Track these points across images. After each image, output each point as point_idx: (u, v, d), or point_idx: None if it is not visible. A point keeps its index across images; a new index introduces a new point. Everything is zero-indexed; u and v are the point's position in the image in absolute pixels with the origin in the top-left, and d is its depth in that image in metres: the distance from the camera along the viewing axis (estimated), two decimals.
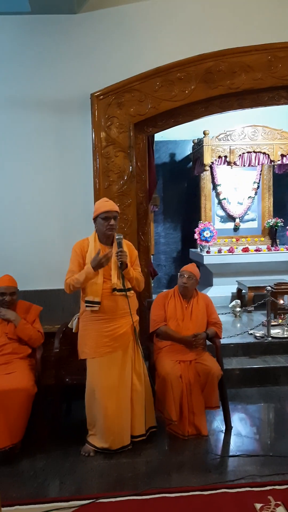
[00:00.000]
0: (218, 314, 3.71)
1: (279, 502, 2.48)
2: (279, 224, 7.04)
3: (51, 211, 4.24)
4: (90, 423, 3.15)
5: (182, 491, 2.63)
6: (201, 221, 6.93)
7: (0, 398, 2.93)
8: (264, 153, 6.76)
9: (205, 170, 6.80)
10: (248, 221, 7.26)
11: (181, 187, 7.69)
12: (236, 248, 6.87)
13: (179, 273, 3.64)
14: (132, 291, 3.16)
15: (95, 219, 3.13)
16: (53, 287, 4.13)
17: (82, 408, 3.17)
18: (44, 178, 4.21)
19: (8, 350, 3.32)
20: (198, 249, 6.95)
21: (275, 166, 7.19)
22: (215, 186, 7.11)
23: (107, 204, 3.11)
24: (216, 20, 4.22)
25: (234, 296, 6.56)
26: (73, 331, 3.29)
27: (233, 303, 6.01)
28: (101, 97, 4.09)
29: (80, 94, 4.16)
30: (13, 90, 4.15)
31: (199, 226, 6.80)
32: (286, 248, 6.91)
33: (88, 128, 4.13)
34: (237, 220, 7.18)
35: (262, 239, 7.19)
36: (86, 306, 3.07)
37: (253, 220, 7.28)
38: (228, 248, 6.83)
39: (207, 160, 6.60)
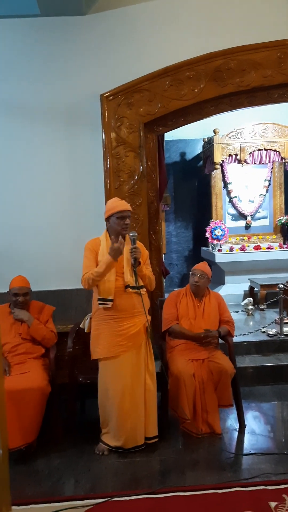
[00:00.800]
0: (231, 312, 3.71)
1: None
2: None
3: (63, 212, 4.27)
4: (104, 422, 3.17)
5: (196, 489, 2.63)
6: (212, 220, 6.91)
7: (14, 398, 2.96)
8: (274, 150, 6.72)
9: (216, 169, 6.78)
10: (259, 219, 7.22)
11: (192, 186, 7.68)
12: (248, 246, 6.84)
13: (190, 272, 3.64)
14: (144, 289, 3.17)
15: (107, 218, 3.14)
16: (66, 287, 4.17)
17: (96, 406, 3.19)
18: (56, 179, 4.25)
19: (22, 350, 3.35)
20: (210, 248, 6.94)
21: (286, 163, 7.13)
22: (226, 185, 7.09)
23: (122, 204, 3.12)
24: (225, 18, 4.21)
25: (247, 294, 6.54)
26: (85, 331, 3.31)
27: (246, 301, 5.98)
28: (111, 97, 4.10)
29: (89, 95, 4.19)
30: (23, 92, 4.19)
31: (211, 224, 6.79)
32: None
33: (98, 129, 4.15)
34: (249, 218, 7.14)
35: (274, 236, 7.15)
36: (99, 304, 3.08)
37: (264, 217, 7.23)
38: (239, 246, 6.80)
39: (217, 158, 6.59)
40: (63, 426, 3.40)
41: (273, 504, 2.46)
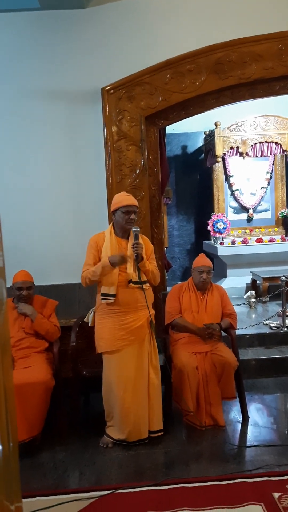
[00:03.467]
0: (233, 305, 3.72)
1: None
2: None
3: (65, 206, 4.27)
4: (108, 415, 3.19)
5: (200, 481, 2.65)
6: (214, 213, 6.91)
7: (18, 392, 2.97)
8: (276, 143, 6.70)
9: (217, 162, 6.76)
10: (261, 211, 7.21)
11: (193, 179, 7.66)
12: (250, 239, 6.84)
13: (195, 269, 3.60)
14: (148, 284, 3.18)
15: (114, 212, 3.15)
16: (69, 281, 4.17)
17: (101, 400, 3.21)
18: (57, 174, 4.24)
19: (25, 344, 3.37)
20: (212, 241, 6.94)
21: None
22: (227, 177, 7.07)
23: (128, 198, 3.13)
24: (225, 10, 4.18)
25: (249, 287, 6.55)
26: (90, 325, 3.32)
27: (248, 294, 6.00)
28: (112, 91, 4.09)
29: (90, 89, 4.17)
30: (23, 86, 4.17)
31: (212, 217, 6.78)
32: None
33: (99, 123, 4.14)
34: (250, 211, 7.13)
35: (276, 229, 7.14)
36: (102, 299, 3.10)
37: (266, 210, 7.22)
38: (241, 239, 6.80)
39: (219, 151, 6.57)
40: (68, 419, 3.43)
41: (276, 495, 2.48)
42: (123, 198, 3.13)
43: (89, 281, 3.11)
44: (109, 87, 4.08)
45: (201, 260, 3.62)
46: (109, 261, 3.02)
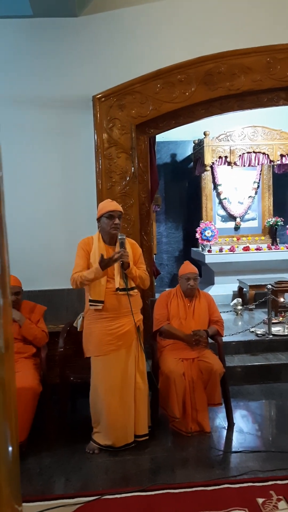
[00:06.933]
0: (220, 312, 3.76)
1: (281, 497, 2.53)
2: (279, 223, 7.09)
3: (55, 212, 4.29)
4: (95, 421, 3.20)
5: (186, 486, 2.67)
6: (202, 221, 6.98)
7: None
8: (263, 153, 6.80)
9: (206, 170, 6.85)
10: (248, 220, 7.31)
11: (182, 187, 7.74)
12: (237, 247, 6.92)
13: (182, 276, 3.64)
14: (135, 290, 3.21)
15: (99, 219, 3.19)
16: (57, 287, 4.18)
17: (88, 406, 3.22)
18: (48, 179, 4.26)
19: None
20: (200, 248, 7.00)
21: (275, 166, 7.24)
22: (215, 186, 7.16)
23: (112, 204, 3.19)
24: (216, 22, 4.26)
25: (236, 295, 6.61)
26: (78, 329, 3.34)
27: (235, 301, 6.06)
28: (103, 99, 4.14)
29: (82, 96, 4.21)
30: (15, 92, 4.19)
31: (201, 225, 6.85)
32: (286, 247, 6.96)
33: (90, 130, 4.18)
34: (238, 220, 7.23)
35: (263, 238, 7.24)
36: (90, 305, 3.13)
37: (253, 219, 7.33)
38: (229, 247, 6.88)
39: (207, 160, 6.66)
40: (54, 425, 3.42)
41: (260, 500, 2.51)
42: (107, 205, 3.19)
43: (80, 284, 3.11)
44: (100, 95, 4.13)
45: (187, 268, 3.67)
46: (100, 265, 3.03)
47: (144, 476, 2.85)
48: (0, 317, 1.04)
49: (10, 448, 1.08)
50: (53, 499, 2.62)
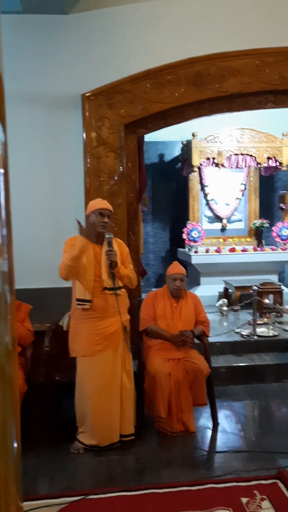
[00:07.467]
0: (206, 313, 3.78)
1: (264, 496, 2.56)
2: (265, 225, 7.15)
3: (42, 210, 4.26)
4: (80, 421, 3.19)
5: (171, 486, 2.68)
6: (189, 221, 7.00)
7: None
8: (251, 155, 6.85)
9: (194, 171, 6.87)
10: (235, 221, 7.36)
11: (169, 188, 7.75)
12: (223, 248, 6.96)
13: (169, 276, 3.65)
14: (123, 290, 3.20)
15: (88, 215, 3.18)
16: (44, 285, 4.15)
17: (73, 406, 3.21)
18: (35, 177, 4.23)
19: None
20: (186, 249, 7.03)
21: (262, 169, 7.29)
22: (203, 187, 7.19)
23: (104, 202, 3.20)
24: (206, 24, 4.28)
25: (221, 295, 6.65)
26: (64, 329, 3.32)
27: (220, 302, 6.10)
28: (92, 97, 4.12)
29: (71, 94, 4.19)
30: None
31: (187, 226, 6.87)
32: (271, 248, 7.02)
33: (79, 128, 4.16)
34: (224, 221, 7.27)
35: (249, 239, 7.29)
36: (78, 304, 3.11)
37: (239, 221, 7.38)
38: (215, 248, 6.91)
39: (195, 161, 6.68)
40: (40, 425, 3.40)
41: (244, 500, 2.54)
42: (99, 202, 3.20)
43: (66, 269, 3.04)
44: (89, 94, 4.11)
45: (175, 268, 3.68)
46: (82, 235, 3.04)
47: (129, 476, 2.85)
48: (7, 313, 1.03)
49: (15, 445, 1.08)
50: (38, 499, 2.60)
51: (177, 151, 7.67)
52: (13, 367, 1.06)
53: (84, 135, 4.13)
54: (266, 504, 2.50)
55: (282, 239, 6.93)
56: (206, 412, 3.65)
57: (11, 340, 1.05)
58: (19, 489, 1.13)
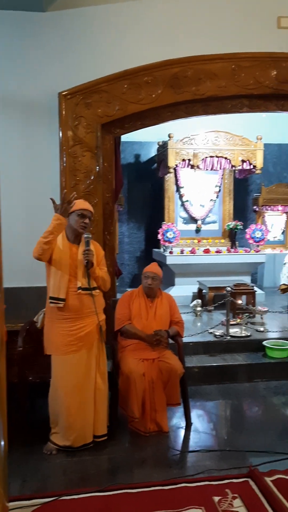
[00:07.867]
0: (180, 313, 3.81)
1: (236, 495, 2.60)
2: (238, 227, 7.26)
3: (16, 209, 4.21)
4: (53, 421, 3.17)
5: (144, 486, 2.69)
6: (164, 222, 7.04)
7: None
8: (225, 158, 6.94)
9: (169, 172, 6.91)
10: (209, 223, 7.44)
11: (145, 188, 7.78)
12: (198, 249, 7.02)
13: (143, 274, 3.70)
14: (98, 290, 3.20)
15: (69, 215, 3.16)
16: (17, 285, 4.10)
17: (46, 406, 3.18)
18: (10, 175, 4.17)
19: None
20: (161, 249, 7.06)
21: (236, 171, 7.40)
22: (178, 188, 7.24)
23: (85, 203, 3.21)
24: (184, 27, 4.32)
25: (195, 296, 6.71)
26: (38, 326, 3.29)
27: (194, 302, 6.15)
28: (69, 96, 4.10)
29: (47, 92, 4.15)
30: None
31: (163, 227, 6.91)
32: (245, 250, 7.13)
33: (55, 127, 4.13)
34: (199, 222, 7.34)
35: (223, 241, 7.39)
36: (51, 302, 3.09)
37: (214, 222, 7.47)
38: (190, 249, 6.97)
39: (171, 162, 6.72)
40: (12, 425, 3.35)
41: (216, 499, 2.57)
42: (80, 202, 3.20)
43: (40, 246, 3.03)
44: (66, 92, 4.09)
45: (150, 267, 3.71)
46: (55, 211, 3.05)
47: (103, 476, 2.85)
48: None
49: (2, 443, 1.06)
50: (9, 501, 2.56)
51: (153, 152, 7.71)
52: (0, 367, 1.05)
53: (61, 134, 4.11)
54: (237, 502, 2.54)
55: (255, 241, 7.05)
56: (179, 412, 3.68)
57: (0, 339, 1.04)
58: (5, 488, 1.12)
